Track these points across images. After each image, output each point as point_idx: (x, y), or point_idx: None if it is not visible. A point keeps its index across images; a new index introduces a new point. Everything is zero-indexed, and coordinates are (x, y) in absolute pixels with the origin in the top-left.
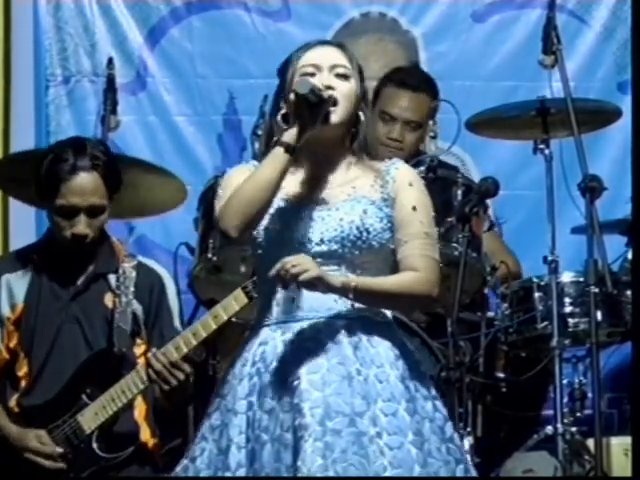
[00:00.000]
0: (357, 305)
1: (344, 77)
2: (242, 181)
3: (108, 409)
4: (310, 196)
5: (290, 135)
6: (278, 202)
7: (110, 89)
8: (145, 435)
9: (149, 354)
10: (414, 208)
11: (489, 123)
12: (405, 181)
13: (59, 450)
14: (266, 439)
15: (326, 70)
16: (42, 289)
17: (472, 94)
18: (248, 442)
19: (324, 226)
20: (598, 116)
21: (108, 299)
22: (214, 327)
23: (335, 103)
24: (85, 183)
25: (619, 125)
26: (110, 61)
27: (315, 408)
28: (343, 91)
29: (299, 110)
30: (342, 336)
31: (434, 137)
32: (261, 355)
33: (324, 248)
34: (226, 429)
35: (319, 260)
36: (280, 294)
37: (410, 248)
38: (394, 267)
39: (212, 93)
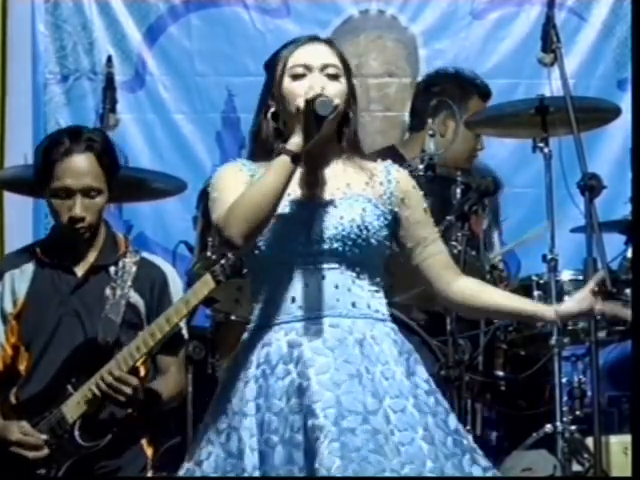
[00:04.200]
0: (358, 304)
1: (334, 77)
2: (244, 188)
3: (90, 397)
4: (306, 194)
5: (295, 144)
6: None
7: (109, 87)
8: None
9: (102, 371)
10: (425, 210)
11: (488, 121)
12: (409, 183)
13: (43, 437)
14: (276, 441)
15: (317, 70)
16: (44, 282)
17: None
18: (258, 444)
19: (324, 224)
20: (597, 114)
21: (109, 292)
22: (185, 312)
23: (336, 107)
24: (79, 164)
25: (618, 123)
26: (109, 59)
27: (328, 409)
28: (334, 92)
29: (308, 122)
30: (346, 334)
31: (433, 135)
32: (265, 357)
33: (325, 247)
34: (236, 432)
35: (320, 259)
36: (279, 294)
37: (439, 245)
38: (388, 262)
39: (211, 91)
